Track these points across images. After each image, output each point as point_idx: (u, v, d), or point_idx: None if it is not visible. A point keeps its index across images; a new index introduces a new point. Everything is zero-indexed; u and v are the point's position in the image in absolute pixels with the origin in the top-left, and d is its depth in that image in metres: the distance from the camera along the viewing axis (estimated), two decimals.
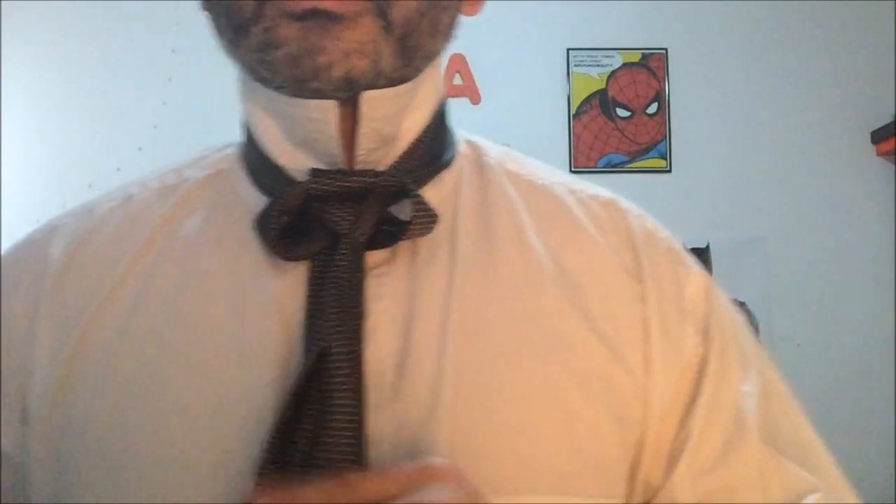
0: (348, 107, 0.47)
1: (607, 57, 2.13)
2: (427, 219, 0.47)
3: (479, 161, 0.55)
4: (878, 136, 2.08)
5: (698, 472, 0.47)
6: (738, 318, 0.55)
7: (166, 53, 2.07)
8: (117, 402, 0.45)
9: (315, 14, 0.43)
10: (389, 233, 0.47)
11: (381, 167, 0.49)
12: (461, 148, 0.55)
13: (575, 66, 2.13)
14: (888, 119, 2.05)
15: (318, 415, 0.41)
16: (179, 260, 0.49)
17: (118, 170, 2.03)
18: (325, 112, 0.46)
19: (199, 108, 2.05)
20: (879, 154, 2.09)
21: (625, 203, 0.55)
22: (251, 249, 0.48)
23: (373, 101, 0.46)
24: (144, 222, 0.51)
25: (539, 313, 0.47)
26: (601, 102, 2.13)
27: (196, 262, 0.48)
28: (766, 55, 2.13)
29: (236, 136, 0.56)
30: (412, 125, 0.50)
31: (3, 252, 0.53)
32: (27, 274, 0.50)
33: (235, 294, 0.47)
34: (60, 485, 0.45)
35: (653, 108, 2.12)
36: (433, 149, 0.51)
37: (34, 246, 0.52)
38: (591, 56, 2.13)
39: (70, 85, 2.08)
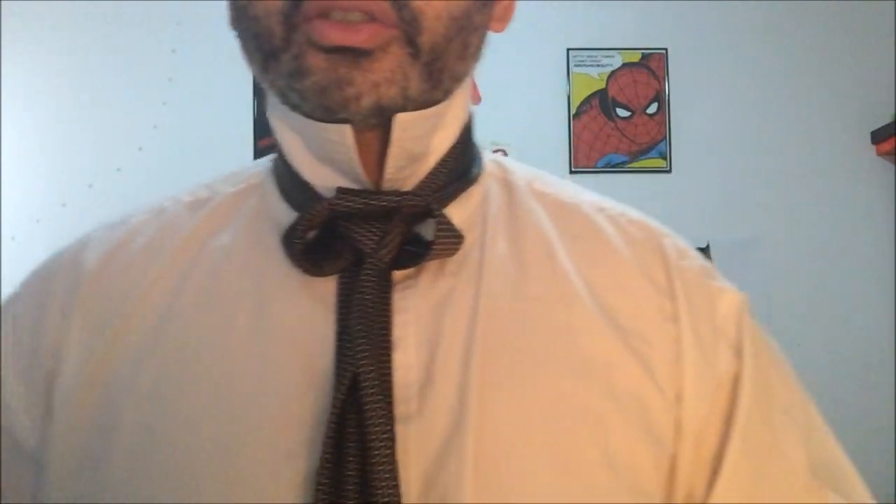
0: (379, 128, 0.47)
1: (607, 57, 2.13)
2: (452, 239, 0.47)
3: (505, 179, 0.55)
4: (878, 136, 2.08)
5: (745, 496, 0.47)
6: (774, 343, 0.55)
7: (166, 53, 2.07)
8: (144, 407, 0.46)
9: (343, 49, 0.43)
10: (415, 252, 0.47)
11: (409, 185, 0.49)
12: (487, 166, 0.55)
13: (575, 66, 2.13)
14: (888, 119, 2.05)
15: (358, 432, 0.42)
16: (208, 272, 0.50)
17: (118, 170, 2.04)
18: (343, 136, 0.46)
19: (199, 108, 2.06)
20: (879, 154, 2.10)
21: (654, 222, 0.55)
22: (279, 264, 0.48)
23: (405, 124, 0.46)
24: (176, 234, 0.52)
25: (570, 329, 0.47)
26: (601, 102, 2.13)
27: (224, 275, 0.49)
28: (765, 55, 2.13)
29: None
30: (440, 143, 0.50)
31: (34, 268, 0.55)
32: (61, 280, 0.52)
33: (260, 307, 0.47)
34: (83, 482, 0.46)
35: (653, 108, 2.12)
36: (460, 165, 0.51)
37: (67, 255, 0.54)
38: (591, 56, 2.13)
39: (70, 85, 2.09)
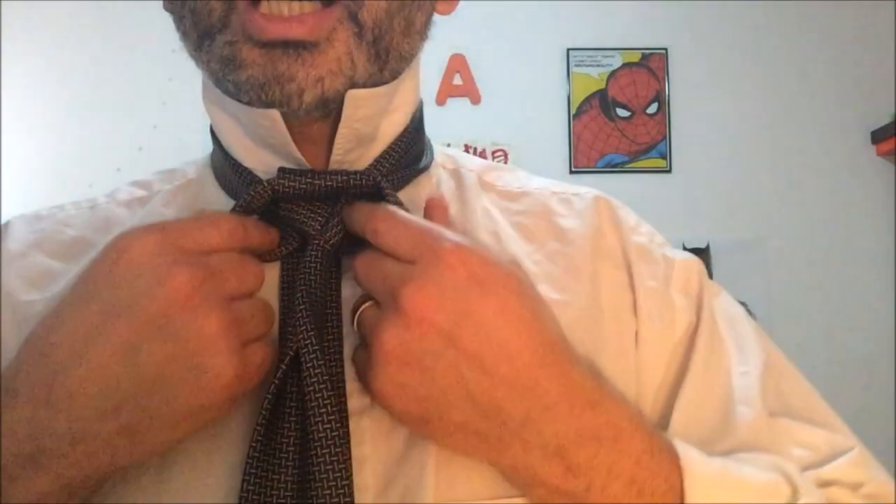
0: (327, 115, 0.45)
1: (607, 57, 2.13)
2: None
3: (456, 171, 0.54)
4: (878, 136, 2.08)
5: (700, 444, 0.46)
6: (731, 301, 0.54)
7: (166, 53, 2.06)
8: None
9: (283, 43, 0.41)
10: (362, 240, 0.45)
11: (357, 167, 0.47)
12: (438, 157, 0.55)
13: (575, 66, 2.13)
14: (888, 119, 2.05)
15: (299, 421, 0.40)
16: None
17: (118, 170, 2.03)
18: (273, 121, 0.44)
19: (199, 108, 2.05)
20: (879, 154, 2.10)
21: (610, 197, 0.55)
22: None
23: (357, 101, 0.44)
24: (111, 229, 0.50)
25: None
26: (601, 102, 2.13)
27: None
28: (765, 55, 2.13)
29: None
30: (390, 126, 0.49)
31: None
32: None
33: None
34: None
35: (653, 108, 2.12)
36: (410, 152, 0.50)
37: None
38: (591, 56, 2.13)
39: (70, 85, 2.08)
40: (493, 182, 0.55)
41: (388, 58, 0.45)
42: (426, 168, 0.52)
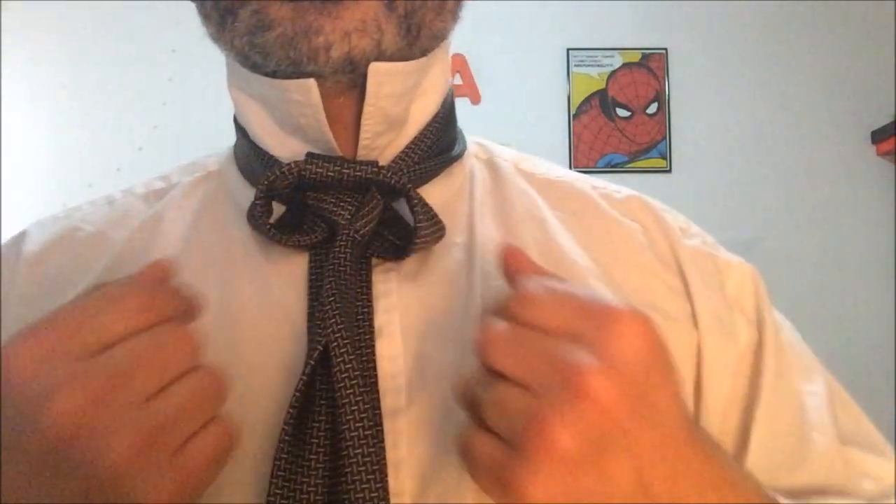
0: (353, 90, 0.44)
1: (607, 57, 2.13)
2: (434, 228, 0.43)
3: (490, 160, 0.52)
4: (878, 136, 2.08)
5: (776, 471, 0.45)
6: (779, 314, 0.52)
7: (166, 53, 2.07)
8: None
9: None
10: (395, 244, 0.43)
11: (386, 157, 0.46)
12: (471, 147, 0.53)
13: (575, 66, 2.13)
14: (888, 119, 2.05)
15: (329, 420, 0.38)
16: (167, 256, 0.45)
17: (118, 170, 2.03)
18: (307, 93, 0.42)
19: (199, 108, 2.05)
20: (879, 154, 2.10)
21: (651, 199, 0.53)
22: (243, 249, 0.45)
23: (380, 76, 0.43)
24: (129, 223, 0.49)
25: None
26: (601, 102, 2.13)
27: (183, 263, 0.43)
28: (766, 55, 2.13)
29: (235, 137, 0.55)
30: (421, 110, 0.47)
31: None
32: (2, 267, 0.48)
33: (223, 295, 0.43)
34: None
35: (653, 108, 2.12)
36: (441, 140, 0.48)
37: (9, 244, 0.50)
38: (591, 56, 2.13)
39: (70, 85, 2.08)
40: (532, 170, 0.53)
41: (419, 34, 0.43)
42: (459, 157, 0.50)
